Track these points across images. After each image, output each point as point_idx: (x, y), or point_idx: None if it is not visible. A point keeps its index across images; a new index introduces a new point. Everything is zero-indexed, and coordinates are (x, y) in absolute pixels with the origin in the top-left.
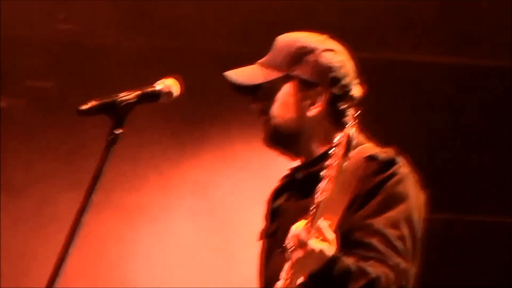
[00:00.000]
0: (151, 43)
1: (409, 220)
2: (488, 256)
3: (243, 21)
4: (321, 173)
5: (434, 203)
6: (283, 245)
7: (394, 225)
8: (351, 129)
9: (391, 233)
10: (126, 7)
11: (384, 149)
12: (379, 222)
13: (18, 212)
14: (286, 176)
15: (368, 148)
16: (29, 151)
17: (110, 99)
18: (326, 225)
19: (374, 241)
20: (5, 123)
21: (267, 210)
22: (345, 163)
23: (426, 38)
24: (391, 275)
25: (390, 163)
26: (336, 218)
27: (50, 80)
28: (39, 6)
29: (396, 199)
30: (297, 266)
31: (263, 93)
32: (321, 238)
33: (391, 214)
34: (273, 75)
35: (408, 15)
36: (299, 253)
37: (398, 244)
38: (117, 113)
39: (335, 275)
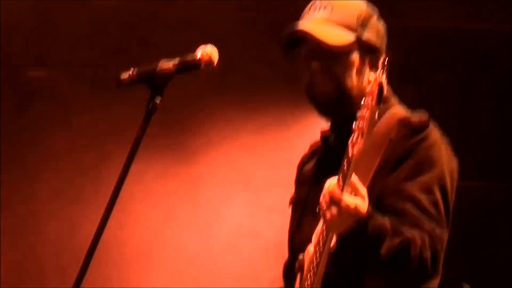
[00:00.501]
0: (191, 12)
1: (441, 185)
2: None
3: None
4: (354, 124)
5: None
6: (315, 210)
7: (427, 190)
8: (381, 77)
9: (424, 198)
10: None
11: (417, 113)
12: (412, 187)
13: (58, 182)
14: (316, 143)
15: (400, 110)
16: (70, 121)
17: (149, 68)
18: (358, 180)
19: (408, 207)
20: (47, 94)
21: (297, 176)
22: (377, 113)
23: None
24: (427, 239)
25: (423, 127)
26: (366, 180)
27: (92, 50)
28: None
29: (429, 163)
30: (331, 224)
31: (330, 52)
32: (353, 193)
33: (424, 178)
34: (351, 37)
35: None
36: (333, 210)
37: (432, 209)
38: (156, 82)
39: (370, 232)
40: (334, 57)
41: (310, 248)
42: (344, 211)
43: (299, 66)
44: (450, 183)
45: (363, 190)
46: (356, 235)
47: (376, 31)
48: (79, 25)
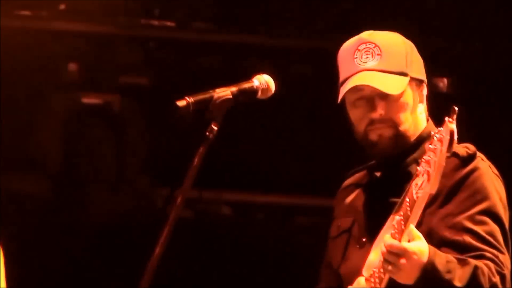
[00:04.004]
0: (248, 38)
1: (495, 215)
2: None
3: None
4: (418, 168)
5: None
6: (361, 241)
7: (482, 221)
8: (452, 125)
9: (481, 229)
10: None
11: (462, 145)
12: (466, 220)
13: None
14: (356, 171)
15: None
16: (124, 147)
17: (207, 96)
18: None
19: (467, 238)
20: (101, 120)
21: (338, 206)
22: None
23: None
24: (492, 265)
25: (470, 158)
26: (417, 216)
27: (145, 76)
28: (133, 2)
29: (480, 194)
30: (404, 277)
31: (388, 100)
32: (409, 237)
33: (477, 210)
34: (406, 80)
35: None
36: (401, 262)
37: (490, 238)
38: (213, 110)
39: (440, 268)
40: (392, 104)
41: (361, 280)
42: (411, 260)
43: (354, 114)
44: (503, 211)
45: (416, 231)
46: (429, 275)
47: (419, 63)
48: (134, 51)
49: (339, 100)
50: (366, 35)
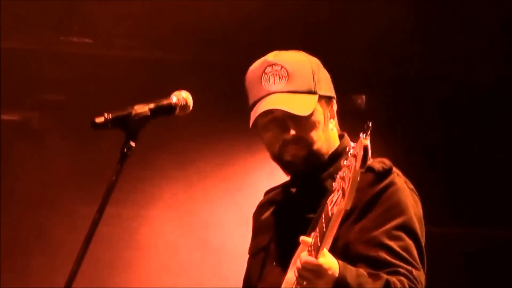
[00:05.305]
0: (166, 55)
1: (410, 230)
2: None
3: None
4: (334, 184)
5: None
6: (277, 259)
7: (397, 236)
8: (366, 140)
9: (395, 244)
10: (139, 18)
11: (378, 160)
12: (381, 235)
13: (33, 225)
14: (272, 190)
15: None
16: (43, 164)
17: (124, 112)
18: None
19: (381, 254)
20: (19, 136)
21: (255, 225)
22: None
23: None
24: (405, 281)
25: (385, 173)
26: (333, 232)
27: (63, 92)
28: (53, 18)
29: (396, 210)
30: None
31: (299, 122)
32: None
33: (392, 225)
34: (315, 99)
35: None
36: (317, 277)
37: (405, 254)
38: (131, 127)
39: (352, 283)
40: (303, 124)
41: None
42: (327, 274)
43: (267, 136)
44: (418, 226)
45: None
46: None
47: (326, 80)
48: (52, 67)
49: (250, 125)
50: (272, 56)
